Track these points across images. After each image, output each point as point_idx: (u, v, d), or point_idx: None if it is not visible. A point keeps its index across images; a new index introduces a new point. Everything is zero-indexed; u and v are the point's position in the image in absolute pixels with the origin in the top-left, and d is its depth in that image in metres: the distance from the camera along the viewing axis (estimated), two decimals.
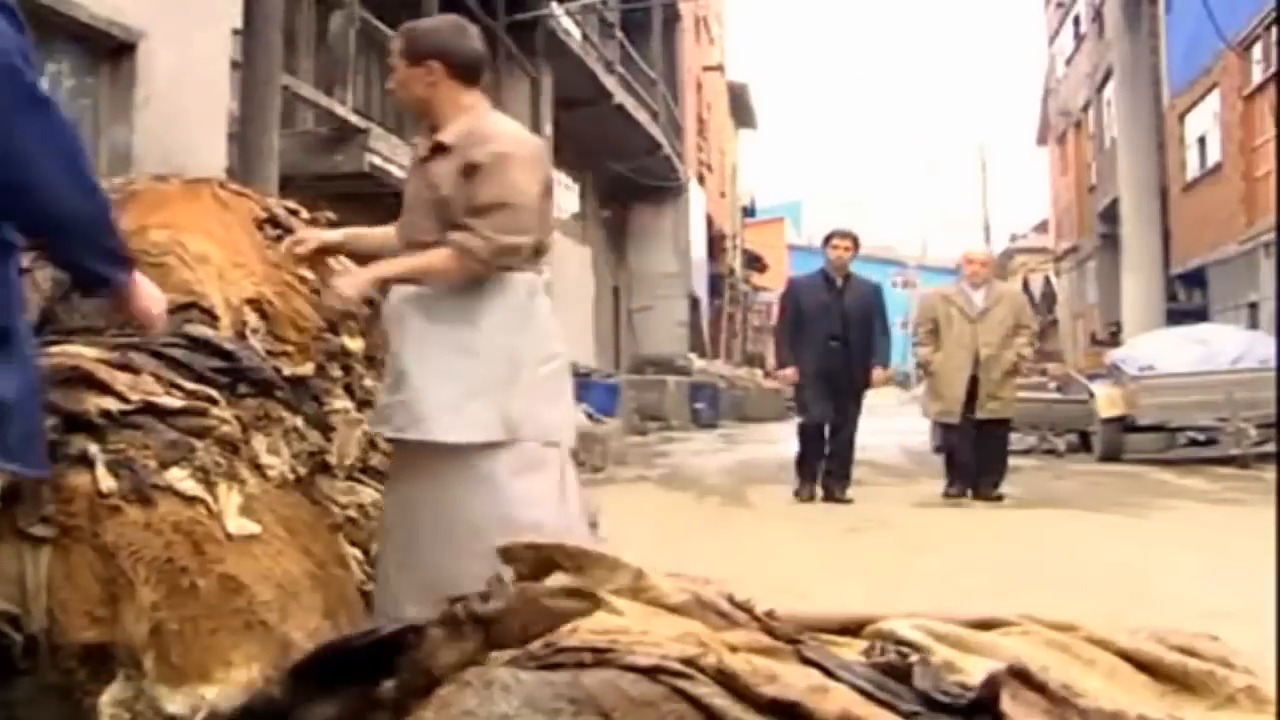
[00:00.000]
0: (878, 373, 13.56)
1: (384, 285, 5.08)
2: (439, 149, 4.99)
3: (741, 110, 60.54)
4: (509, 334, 4.83)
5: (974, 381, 13.19)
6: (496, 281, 4.86)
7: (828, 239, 13.93)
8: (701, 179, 47.84)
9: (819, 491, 13.40)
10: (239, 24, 13.41)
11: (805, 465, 13.66)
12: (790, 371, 13.76)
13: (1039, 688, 2.73)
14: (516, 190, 4.81)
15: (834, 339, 13.41)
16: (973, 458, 13.39)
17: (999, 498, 12.99)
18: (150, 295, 3.82)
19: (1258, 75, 26.17)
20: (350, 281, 5.03)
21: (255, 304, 4.85)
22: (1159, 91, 31.72)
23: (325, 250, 5.26)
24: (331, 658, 2.91)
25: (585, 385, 24.78)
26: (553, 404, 4.96)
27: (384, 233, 5.33)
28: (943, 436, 14.40)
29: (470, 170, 4.82)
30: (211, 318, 4.61)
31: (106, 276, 3.64)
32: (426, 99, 5.06)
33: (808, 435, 13.68)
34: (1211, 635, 3.33)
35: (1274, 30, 24.98)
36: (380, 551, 4.99)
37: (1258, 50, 26.14)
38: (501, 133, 4.97)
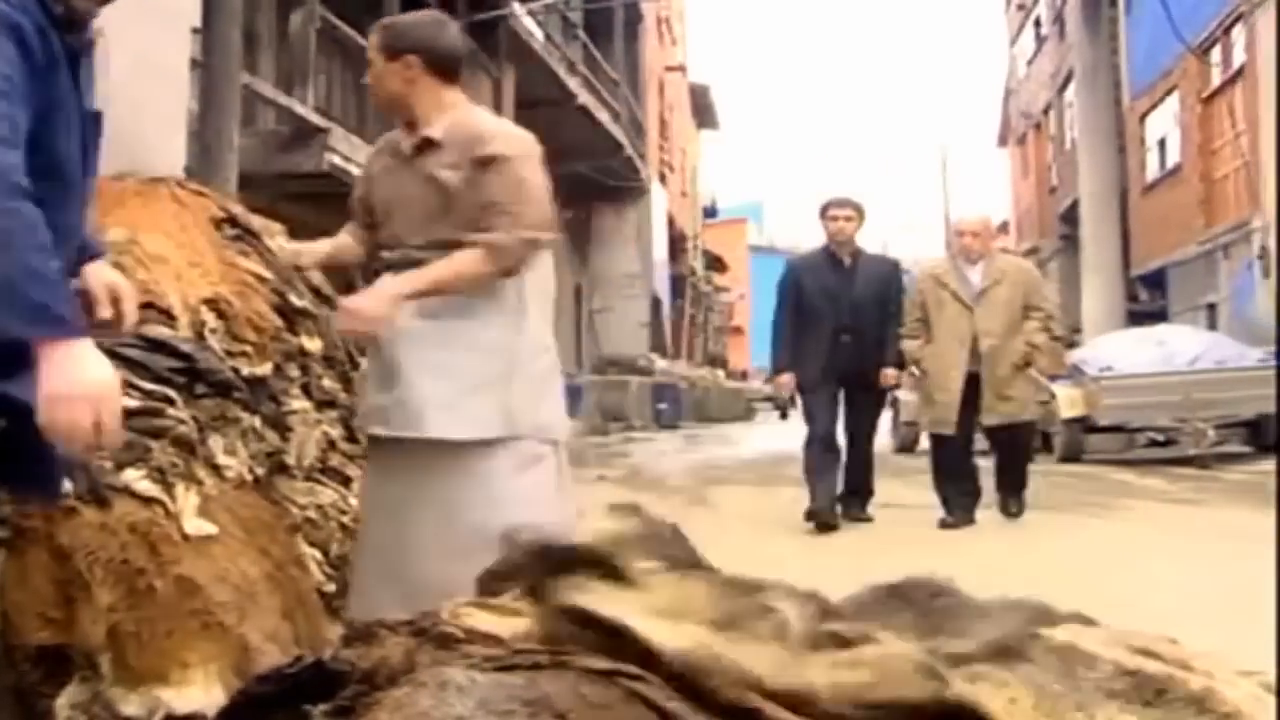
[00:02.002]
0: (891, 374, 11.30)
1: (408, 300, 4.75)
2: (427, 145, 4.89)
3: (703, 111, 60.59)
4: (506, 329, 4.79)
5: (974, 380, 10.88)
6: None
7: (824, 209, 11.41)
8: (663, 179, 47.91)
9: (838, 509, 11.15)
10: (198, 22, 13.34)
11: (820, 484, 11.05)
12: (786, 379, 11.33)
13: None
14: (532, 186, 4.81)
15: (844, 332, 11.09)
16: (971, 474, 11.20)
17: (1018, 513, 11.13)
18: (82, 384, 2.75)
19: (1217, 78, 26.35)
20: (374, 303, 4.65)
21: (213, 304, 4.83)
22: (1119, 94, 31.95)
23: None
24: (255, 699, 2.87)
25: None
26: (548, 400, 4.92)
27: (334, 243, 5.23)
28: (934, 451, 11.52)
29: (480, 166, 4.75)
30: (169, 318, 4.58)
31: (18, 338, 2.74)
32: (403, 95, 4.94)
33: (817, 449, 11.16)
34: (1170, 637, 3.33)
35: (1235, 29, 25.13)
36: (355, 556, 4.91)
37: (1216, 53, 26.30)
38: (501, 130, 4.95)
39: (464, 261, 4.71)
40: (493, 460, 4.68)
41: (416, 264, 4.78)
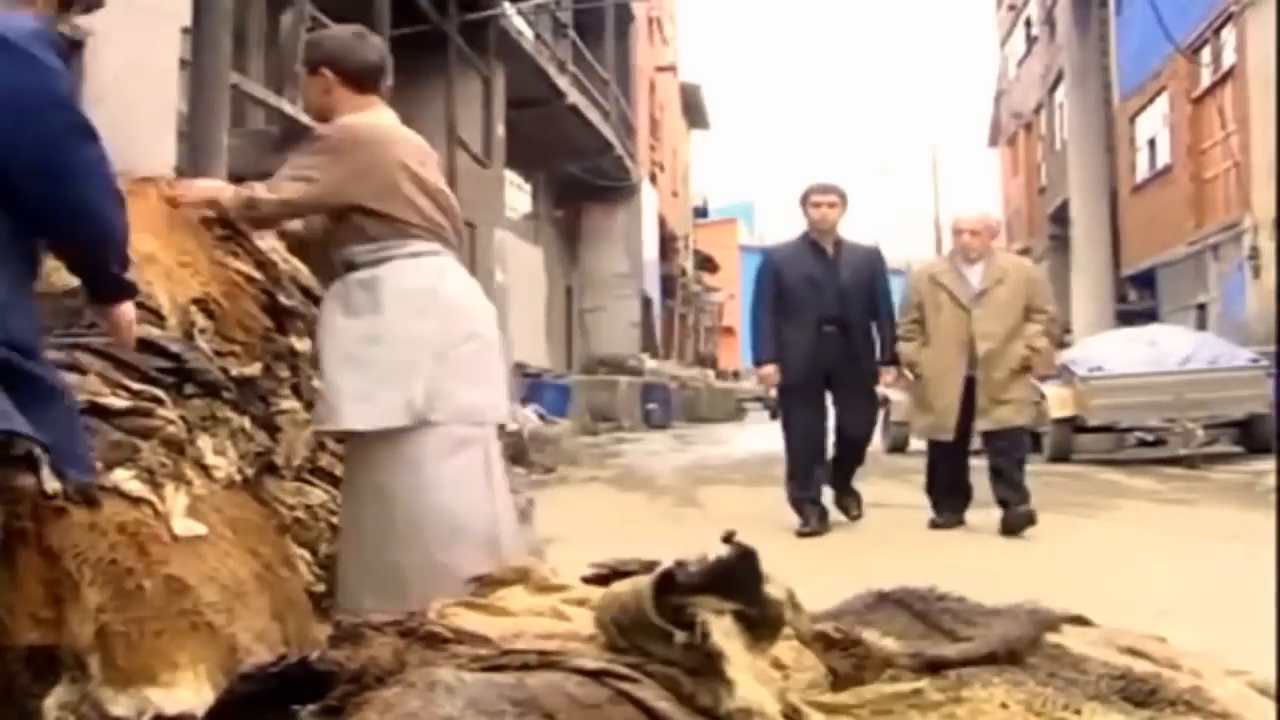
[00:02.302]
0: (889, 374, 10.80)
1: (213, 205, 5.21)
2: None
3: (694, 111, 60.57)
4: (414, 318, 4.89)
5: (971, 385, 10.27)
6: (402, 267, 4.95)
7: (806, 196, 10.77)
8: (654, 179, 47.87)
9: (827, 517, 10.59)
10: (188, 22, 13.34)
11: (803, 490, 10.57)
12: (771, 370, 10.55)
13: None
14: (305, 161, 5.05)
15: (829, 323, 10.46)
16: (964, 479, 10.65)
17: (1030, 521, 10.01)
18: (132, 311, 4.02)
19: (1206, 78, 26.38)
20: (195, 187, 5.35)
21: (202, 304, 4.82)
22: (1109, 94, 32.00)
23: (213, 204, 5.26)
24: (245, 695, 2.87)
25: (537, 385, 24.84)
26: (474, 385, 4.98)
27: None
28: (930, 456, 10.95)
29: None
30: (158, 318, 4.57)
31: (125, 282, 3.89)
32: (325, 106, 5.22)
33: (799, 452, 10.64)
34: (1159, 636, 3.34)
35: (1224, 30, 25.18)
36: (339, 548, 5.02)
37: (1206, 53, 26.34)
38: (350, 119, 5.10)
39: (225, 193, 5.24)
40: (417, 448, 4.83)
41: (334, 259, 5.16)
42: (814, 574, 8.03)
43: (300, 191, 4.97)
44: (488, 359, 5.12)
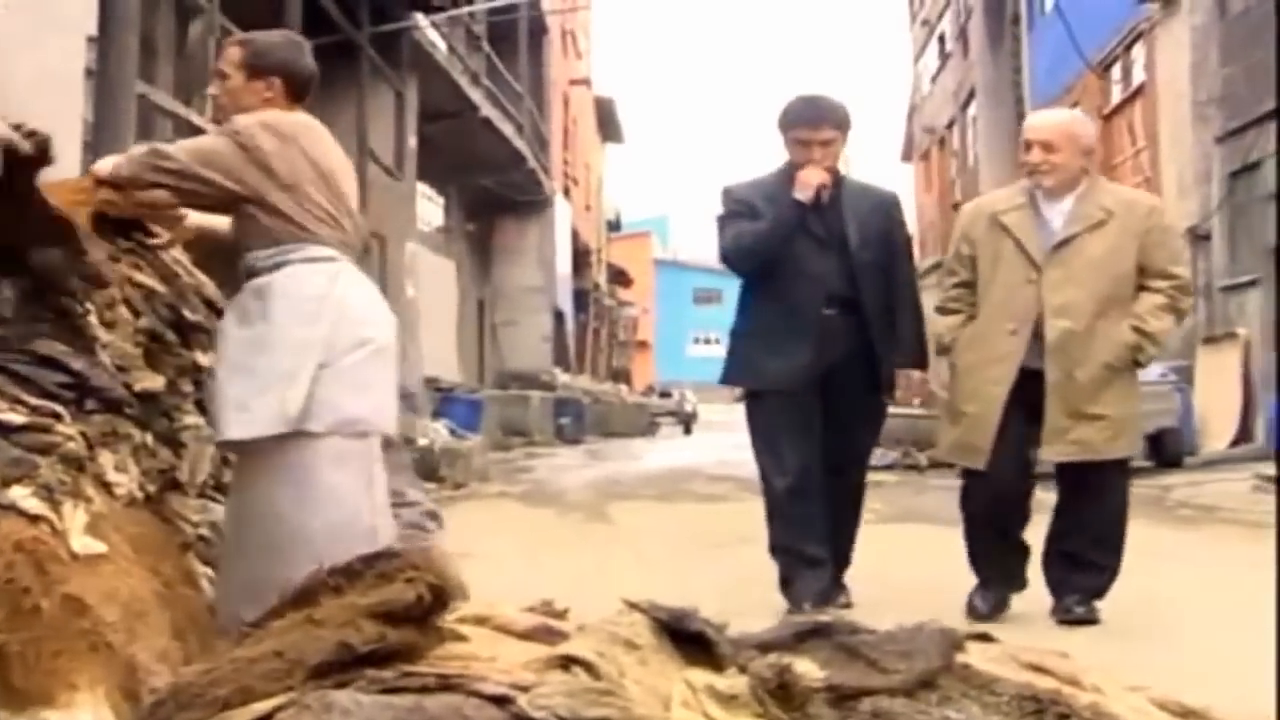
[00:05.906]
0: (905, 376, 7.63)
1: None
2: None
3: (608, 124, 60.71)
4: (301, 324, 4.74)
5: (1033, 384, 6.55)
6: (296, 273, 4.81)
7: (789, 123, 7.19)
8: (567, 193, 47.92)
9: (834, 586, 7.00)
10: (94, 30, 13.20)
11: (795, 538, 6.88)
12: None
13: None
14: (201, 141, 5.11)
15: (830, 303, 6.87)
16: (1018, 534, 7.09)
17: (1094, 618, 6.52)
18: None
19: (1117, 95, 26.68)
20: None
21: (104, 318, 4.76)
22: (1021, 109, 32.29)
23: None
24: None
25: (448, 400, 24.72)
26: (359, 394, 4.82)
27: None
28: (965, 495, 7.18)
29: None
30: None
31: None
32: (254, 110, 5.01)
33: (787, 504, 6.88)
34: (1061, 652, 3.35)
35: (1135, 48, 25.47)
36: (221, 562, 4.86)
37: (1117, 70, 26.65)
38: (263, 116, 4.98)
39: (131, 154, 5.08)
40: (299, 456, 4.67)
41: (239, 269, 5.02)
42: (729, 593, 8.02)
43: (210, 149, 4.88)
44: (375, 367, 4.94)
